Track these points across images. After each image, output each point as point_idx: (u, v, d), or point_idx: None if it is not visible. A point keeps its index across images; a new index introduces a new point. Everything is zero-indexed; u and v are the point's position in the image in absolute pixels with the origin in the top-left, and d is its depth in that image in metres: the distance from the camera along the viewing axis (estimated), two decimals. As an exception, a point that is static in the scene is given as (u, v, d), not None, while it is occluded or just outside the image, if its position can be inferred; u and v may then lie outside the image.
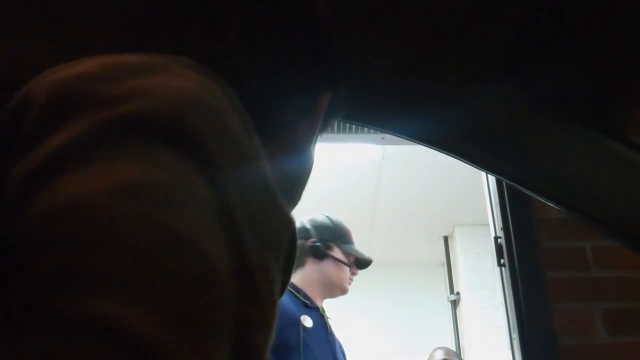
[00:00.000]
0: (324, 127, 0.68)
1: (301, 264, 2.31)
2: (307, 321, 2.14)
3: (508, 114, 1.01)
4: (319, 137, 0.68)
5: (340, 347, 2.29)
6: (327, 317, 2.28)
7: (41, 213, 0.33)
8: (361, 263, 2.43)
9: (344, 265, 2.33)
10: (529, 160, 1.05)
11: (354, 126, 2.62)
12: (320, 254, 2.31)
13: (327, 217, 2.46)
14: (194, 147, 0.38)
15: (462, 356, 5.07)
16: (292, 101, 0.60)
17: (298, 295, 2.23)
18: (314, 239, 2.33)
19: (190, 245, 0.34)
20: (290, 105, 0.60)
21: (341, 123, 2.63)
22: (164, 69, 0.43)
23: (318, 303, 2.28)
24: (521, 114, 1.01)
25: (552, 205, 1.07)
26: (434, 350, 3.44)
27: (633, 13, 0.87)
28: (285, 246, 0.44)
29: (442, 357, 3.35)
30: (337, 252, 2.34)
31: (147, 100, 0.39)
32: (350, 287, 2.37)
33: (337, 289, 2.34)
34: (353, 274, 2.38)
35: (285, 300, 2.14)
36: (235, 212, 0.38)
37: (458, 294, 5.34)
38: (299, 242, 2.28)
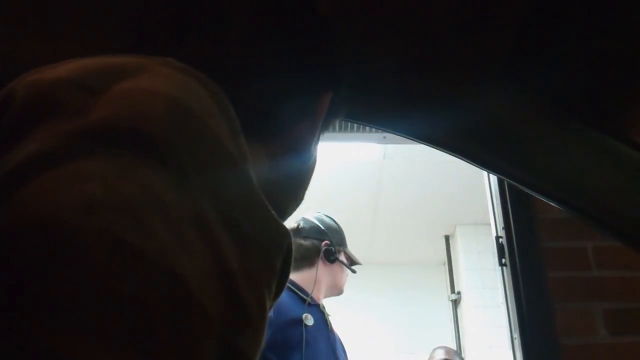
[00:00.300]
0: (325, 126, 0.67)
1: (310, 264, 2.32)
2: (309, 319, 2.15)
3: (509, 114, 1.01)
4: (320, 136, 0.67)
5: (341, 343, 2.29)
6: (328, 315, 2.29)
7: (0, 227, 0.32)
8: (355, 265, 2.48)
9: (346, 269, 2.39)
10: (530, 160, 1.05)
11: (355, 125, 2.62)
12: (332, 258, 2.35)
13: (332, 219, 2.49)
14: (166, 155, 0.36)
15: (462, 355, 5.07)
16: (293, 101, 0.59)
17: (300, 294, 2.24)
18: (327, 242, 2.36)
19: (158, 264, 0.32)
20: (290, 105, 0.59)
21: (343, 122, 2.63)
22: (147, 71, 0.42)
23: (319, 301, 2.29)
24: (522, 114, 1.01)
25: (553, 204, 1.07)
26: (435, 349, 3.44)
27: (634, 12, 0.87)
28: (279, 247, 0.42)
29: (443, 356, 3.35)
30: (343, 257, 2.39)
31: (119, 108, 0.38)
32: (345, 280, 2.42)
33: (337, 290, 2.38)
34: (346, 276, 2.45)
35: (287, 299, 2.16)
36: (212, 220, 0.36)
37: (459, 293, 5.34)
38: (311, 242, 2.33)
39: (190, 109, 0.40)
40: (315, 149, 0.66)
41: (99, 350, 0.28)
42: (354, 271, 2.45)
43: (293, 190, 0.64)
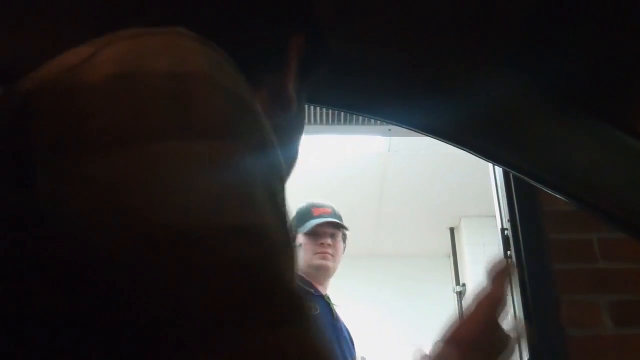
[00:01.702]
0: (307, 76, 0.63)
1: None
2: (313, 309, 2.15)
3: (515, 105, 1.01)
4: (303, 87, 0.63)
5: (348, 333, 2.30)
6: (333, 305, 2.30)
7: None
8: (328, 227, 2.43)
9: (303, 247, 2.38)
10: (536, 152, 1.05)
11: (360, 118, 2.62)
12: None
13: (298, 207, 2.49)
14: (230, 134, 0.37)
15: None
16: (260, 49, 0.56)
17: (303, 285, 2.24)
18: None
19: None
20: (259, 55, 0.56)
21: (348, 115, 2.62)
22: (175, 49, 0.41)
23: (322, 290, 2.31)
24: (529, 105, 1.01)
25: (559, 197, 1.07)
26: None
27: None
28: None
29: None
30: (299, 239, 2.40)
31: (169, 101, 0.38)
32: (323, 257, 2.38)
33: (311, 270, 2.36)
34: (321, 245, 2.39)
35: None
36: (278, 190, 0.40)
37: (464, 285, 5.34)
38: None
39: (222, 85, 0.40)
40: (301, 101, 0.63)
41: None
42: (313, 239, 2.42)
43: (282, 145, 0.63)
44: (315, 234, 2.39)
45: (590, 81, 1.00)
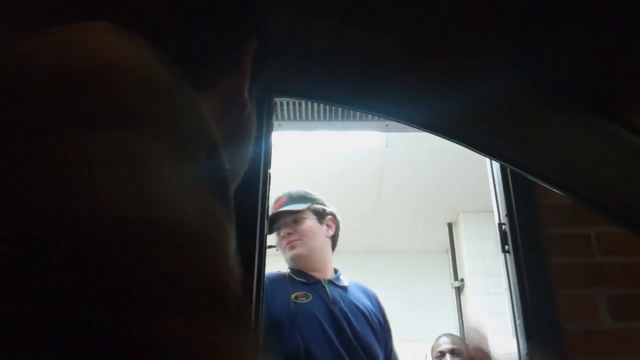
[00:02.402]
0: (259, 77, 0.64)
1: None
2: (301, 298, 2.22)
3: (512, 100, 1.01)
4: (254, 88, 0.64)
5: (367, 305, 2.31)
6: (328, 287, 2.30)
7: None
8: (276, 218, 2.43)
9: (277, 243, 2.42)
10: (532, 147, 1.05)
11: (357, 113, 2.62)
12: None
13: None
14: (155, 128, 0.37)
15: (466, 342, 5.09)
16: (213, 53, 0.57)
17: (294, 277, 2.32)
18: None
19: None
20: (211, 57, 0.57)
21: (345, 110, 2.63)
22: (94, 42, 0.41)
23: (318, 276, 2.33)
24: (526, 100, 1.01)
25: (555, 191, 1.07)
26: (439, 337, 3.42)
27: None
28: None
29: (449, 345, 3.32)
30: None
31: (88, 91, 0.37)
32: (291, 246, 2.38)
33: (293, 262, 2.38)
34: (282, 237, 2.40)
35: (278, 281, 2.27)
36: (203, 182, 0.39)
37: (462, 280, 5.35)
38: None
39: (146, 76, 0.40)
40: (250, 100, 0.63)
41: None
42: (272, 231, 2.43)
43: (235, 144, 0.62)
44: (277, 230, 2.41)
45: (586, 76, 1.00)
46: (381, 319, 2.32)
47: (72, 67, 0.38)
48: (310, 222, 2.39)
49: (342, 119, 2.70)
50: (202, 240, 0.35)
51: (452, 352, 3.27)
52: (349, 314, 2.23)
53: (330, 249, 2.44)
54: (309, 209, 2.41)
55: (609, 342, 2.01)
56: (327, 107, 2.66)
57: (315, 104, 2.64)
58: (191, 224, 0.35)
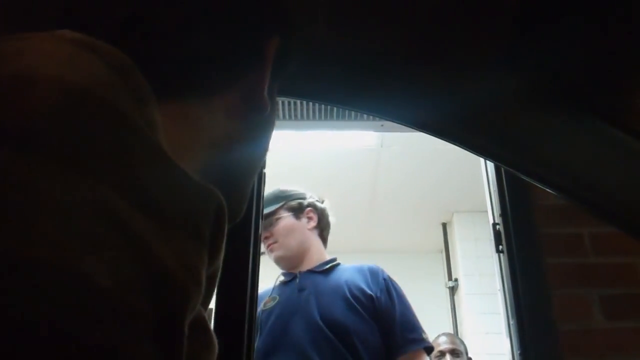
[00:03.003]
0: (280, 76, 0.62)
1: None
2: (269, 304, 2.22)
3: (507, 100, 1.01)
4: (275, 88, 0.63)
5: (346, 287, 2.20)
6: (299, 278, 2.28)
7: None
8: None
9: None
10: (526, 146, 1.05)
11: (353, 113, 2.62)
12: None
13: None
14: (51, 147, 0.31)
15: (460, 342, 5.10)
16: (234, 52, 0.55)
17: (281, 277, 2.35)
18: None
19: (59, 268, 0.28)
20: (233, 57, 0.55)
21: (340, 110, 2.63)
22: (27, 52, 0.37)
23: (296, 271, 2.33)
24: (520, 100, 1.01)
25: (549, 191, 1.08)
26: (438, 336, 3.39)
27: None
28: (205, 213, 0.38)
29: (448, 345, 3.31)
30: None
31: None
32: (270, 250, 2.37)
33: (278, 264, 2.39)
34: (263, 241, 2.36)
35: (262, 298, 2.25)
36: (119, 205, 0.32)
37: (456, 280, 5.36)
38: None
39: (79, 86, 0.35)
40: (272, 102, 0.61)
41: None
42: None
43: (250, 140, 0.60)
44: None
45: (578, 75, 1.00)
46: (375, 293, 2.20)
47: None
48: (285, 221, 2.38)
49: (337, 119, 2.71)
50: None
51: (453, 352, 3.25)
52: (316, 298, 2.17)
53: (315, 239, 2.41)
54: (282, 207, 2.39)
55: (603, 342, 2.01)
56: (322, 106, 2.66)
57: (310, 104, 2.64)
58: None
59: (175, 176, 0.37)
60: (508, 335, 2.09)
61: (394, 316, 2.18)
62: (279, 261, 2.36)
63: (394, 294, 2.24)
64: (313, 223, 2.42)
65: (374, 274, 2.28)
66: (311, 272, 2.30)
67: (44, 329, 0.26)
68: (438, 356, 3.24)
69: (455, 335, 3.52)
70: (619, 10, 0.88)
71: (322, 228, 2.46)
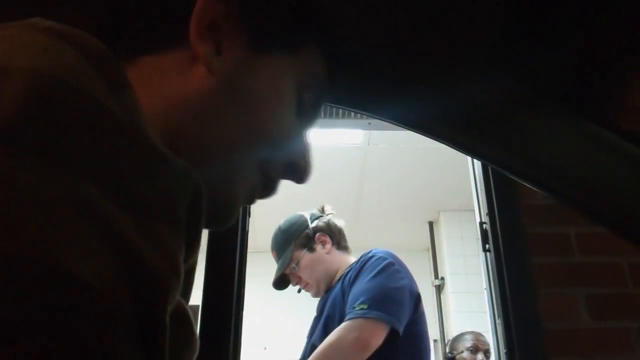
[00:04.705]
0: (324, 90, 0.59)
1: None
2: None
3: (495, 100, 1.01)
4: (323, 100, 0.60)
5: (332, 303, 2.26)
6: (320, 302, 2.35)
7: None
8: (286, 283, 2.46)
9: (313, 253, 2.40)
10: (514, 146, 1.05)
11: (340, 111, 2.62)
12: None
13: (291, 216, 2.49)
14: (25, 139, 0.31)
15: (445, 341, 5.11)
16: (266, 58, 0.53)
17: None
18: None
19: (37, 261, 0.28)
20: (264, 62, 0.53)
21: (328, 107, 2.62)
22: (1, 42, 0.36)
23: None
24: (508, 100, 1.01)
25: (537, 190, 1.07)
26: (461, 334, 3.30)
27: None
28: (182, 195, 0.37)
29: (471, 342, 3.21)
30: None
31: None
32: (306, 290, 2.41)
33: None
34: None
35: None
36: (95, 196, 0.32)
37: (442, 279, 5.38)
38: None
39: (53, 76, 0.34)
40: (311, 120, 0.60)
41: None
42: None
43: (231, 112, 0.53)
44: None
45: (569, 75, 1.00)
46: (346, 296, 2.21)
47: None
48: (304, 260, 2.34)
49: (325, 117, 2.70)
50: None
51: (486, 352, 3.15)
52: (317, 321, 2.26)
53: (337, 256, 2.40)
54: (294, 249, 2.35)
55: (588, 341, 2.02)
56: (309, 104, 2.65)
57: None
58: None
59: (152, 161, 0.36)
60: (494, 334, 2.09)
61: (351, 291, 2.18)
62: (316, 296, 2.39)
63: (362, 272, 2.23)
64: (328, 245, 2.40)
65: (362, 260, 2.31)
66: (326, 291, 2.35)
67: (25, 323, 0.27)
68: (470, 349, 3.15)
69: (480, 335, 3.33)
70: (611, 11, 0.88)
71: (338, 241, 2.45)
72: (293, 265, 2.32)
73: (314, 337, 2.18)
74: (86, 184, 0.32)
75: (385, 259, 2.25)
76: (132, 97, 0.38)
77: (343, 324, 2.01)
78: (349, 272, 2.28)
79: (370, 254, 2.30)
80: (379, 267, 2.20)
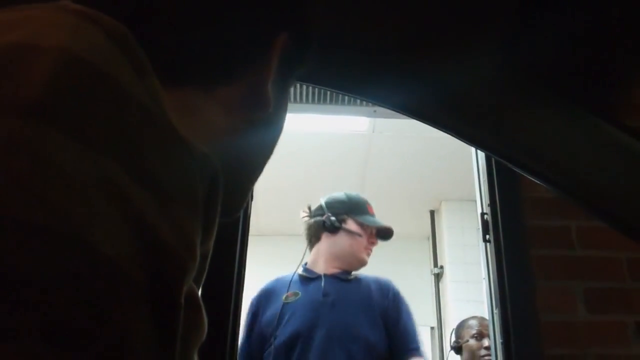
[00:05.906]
0: (289, 72, 0.60)
1: (317, 239, 2.47)
2: (291, 297, 2.31)
3: (500, 91, 1.01)
4: (286, 84, 0.61)
5: (366, 299, 2.37)
6: (324, 282, 2.38)
7: None
8: (382, 233, 2.55)
9: (357, 236, 2.46)
10: (518, 138, 1.06)
11: (346, 98, 2.62)
12: (333, 228, 2.45)
13: (344, 193, 2.59)
14: (55, 119, 0.32)
15: (442, 328, 5.14)
16: (240, 45, 0.54)
17: (302, 274, 2.43)
18: (327, 214, 2.46)
19: (68, 237, 0.29)
20: (237, 49, 0.54)
21: (333, 94, 2.62)
22: (32, 22, 0.37)
23: (322, 271, 2.42)
24: (514, 92, 1.01)
25: (539, 182, 1.08)
26: (465, 320, 3.27)
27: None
28: (199, 178, 0.38)
29: (475, 329, 3.13)
30: (351, 225, 2.49)
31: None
32: (368, 254, 2.51)
33: (353, 260, 2.46)
34: (371, 243, 2.52)
35: (273, 290, 2.38)
36: (119, 177, 0.32)
37: (442, 267, 5.40)
38: (314, 219, 2.41)
39: (82, 57, 0.35)
40: (280, 100, 0.60)
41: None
42: (373, 237, 2.53)
43: (252, 145, 0.58)
44: (374, 233, 2.54)
45: (573, 69, 1.01)
46: (387, 309, 2.39)
47: None
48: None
49: (330, 103, 2.70)
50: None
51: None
52: (340, 306, 2.30)
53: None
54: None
55: (584, 334, 2.03)
56: (315, 90, 2.65)
57: (304, 87, 2.63)
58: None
59: (174, 144, 0.37)
60: (491, 324, 2.11)
61: (398, 327, 2.36)
62: (358, 263, 2.52)
63: (402, 307, 2.44)
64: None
65: (386, 287, 2.46)
66: (337, 278, 2.41)
67: (49, 289, 0.27)
68: (475, 336, 3.13)
69: (485, 320, 3.29)
70: (618, 4, 0.88)
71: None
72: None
73: (352, 321, 2.26)
74: (110, 161, 0.32)
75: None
76: (155, 83, 0.39)
77: None
78: (375, 284, 2.46)
79: (394, 286, 2.52)
80: (407, 305, 2.49)
